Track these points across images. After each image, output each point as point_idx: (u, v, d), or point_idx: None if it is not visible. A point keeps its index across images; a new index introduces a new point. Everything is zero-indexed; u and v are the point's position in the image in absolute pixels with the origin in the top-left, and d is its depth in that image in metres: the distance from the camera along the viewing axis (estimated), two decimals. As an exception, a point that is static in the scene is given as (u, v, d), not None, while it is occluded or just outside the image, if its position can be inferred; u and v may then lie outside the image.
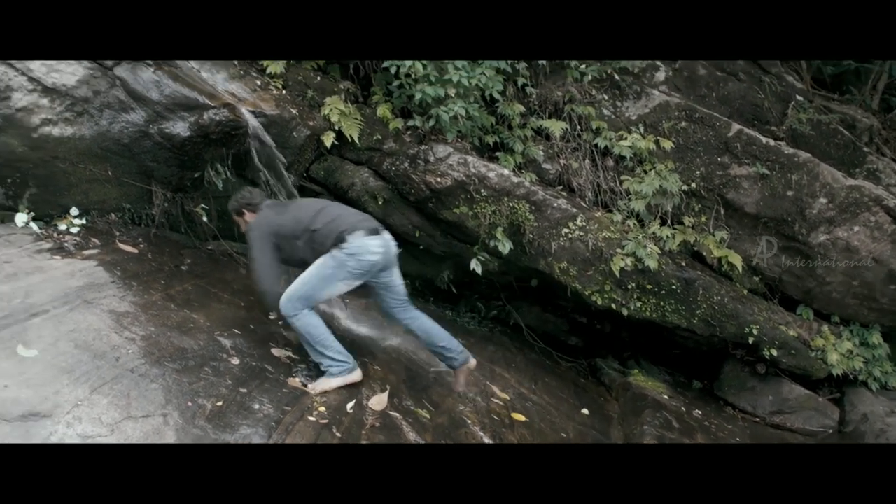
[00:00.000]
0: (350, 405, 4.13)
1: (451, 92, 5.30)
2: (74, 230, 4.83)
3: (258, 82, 5.38)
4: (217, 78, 5.23)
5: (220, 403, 3.64)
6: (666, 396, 5.97)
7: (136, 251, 4.89)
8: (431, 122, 5.47)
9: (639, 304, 5.78)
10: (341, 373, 4.24)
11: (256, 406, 3.76)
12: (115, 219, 5.21)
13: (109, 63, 4.75)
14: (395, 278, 4.65)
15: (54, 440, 2.98)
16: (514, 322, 6.86)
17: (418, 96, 5.29)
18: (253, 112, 5.05)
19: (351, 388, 4.30)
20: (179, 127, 4.88)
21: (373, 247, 4.28)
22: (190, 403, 3.54)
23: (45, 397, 3.17)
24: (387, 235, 4.49)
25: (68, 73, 4.66)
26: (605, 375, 6.52)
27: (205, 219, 5.45)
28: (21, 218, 4.77)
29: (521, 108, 5.86)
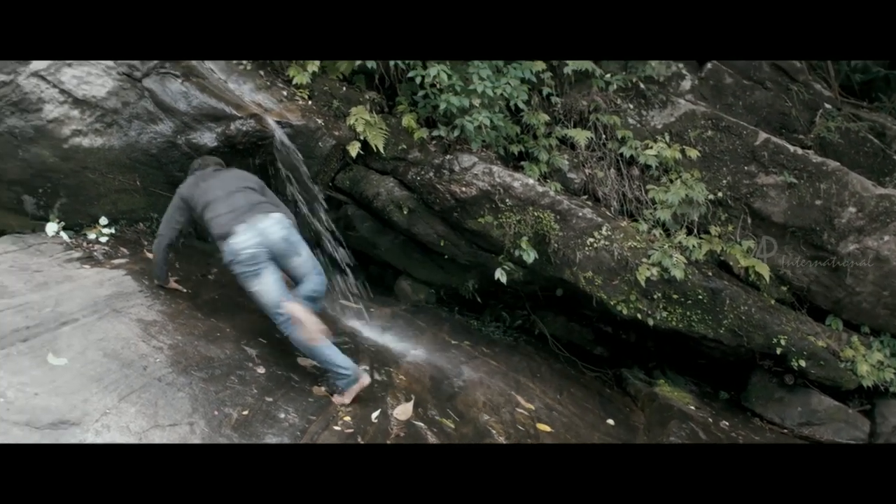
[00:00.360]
0: (375, 415, 4.13)
1: (476, 101, 5.31)
2: (103, 239, 4.90)
3: (284, 92, 5.42)
4: (244, 88, 5.27)
5: (246, 412, 3.66)
6: (692, 407, 5.91)
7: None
8: (456, 132, 5.48)
9: (665, 313, 5.73)
10: (347, 385, 4.14)
11: (282, 415, 3.77)
12: (144, 228, 5.27)
13: (138, 74, 4.82)
14: (300, 267, 4.30)
15: (83, 449, 3.01)
16: (539, 331, 6.83)
17: (443, 106, 5.30)
18: (279, 122, 5.09)
19: (375, 398, 4.31)
20: (207, 137, 4.93)
21: (240, 244, 4.06)
22: (216, 412, 3.57)
23: (74, 405, 3.21)
24: (263, 221, 4.16)
25: (98, 84, 4.73)
26: (630, 385, 6.47)
27: (231, 228, 5.49)
28: (52, 227, 4.84)
29: (546, 118, 5.85)
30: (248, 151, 5.04)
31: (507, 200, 5.45)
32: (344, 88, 5.68)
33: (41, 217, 4.98)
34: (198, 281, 4.95)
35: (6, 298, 3.93)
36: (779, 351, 5.70)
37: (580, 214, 5.56)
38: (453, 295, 6.68)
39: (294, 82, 5.50)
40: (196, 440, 3.30)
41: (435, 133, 5.67)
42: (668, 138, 5.98)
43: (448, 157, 5.55)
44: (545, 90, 5.89)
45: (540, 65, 5.76)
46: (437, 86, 5.42)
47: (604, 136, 5.98)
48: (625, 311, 5.72)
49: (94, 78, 4.72)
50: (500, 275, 5.59)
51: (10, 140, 4.65)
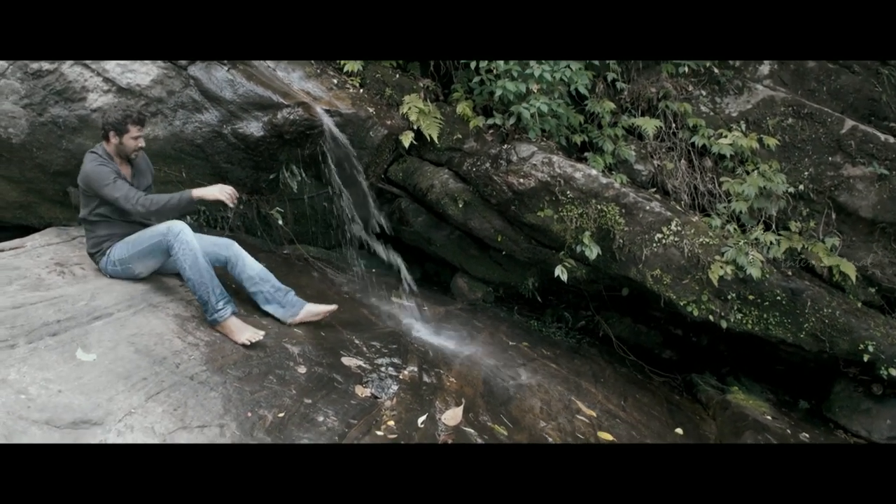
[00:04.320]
0: (421, 420, 3.86)
1: (534, 87, 4.99)
2: (148, 233, 4.75)
3: (335, 80, 5.21)
4: (292, 76, 5.08)
5: (282, 414, 3.44)
6: (769, 417, 5.47)
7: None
8: (512, 120, 5.17)
9: (739, 315, 5.31)
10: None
11: (321, 418, 3.54)
12: (191, 222, 5.13)
13: (184, 62, 4.66)
14: None
15: (103, 450, 2.82)
16: (604, 333, 6.46)
17: (499, 92, 5.00)
18: (328, 111, 4.87)
19: (423, 401, 4.04)
20: (253, 127, 4.75)
21: None
22: (250, 414, 3.36)
23: (98, 404, 3.03)
24: None
25: (142, 72, 4.60)
26: (701, 392, 6.05)
27: (280, 222, 5.31)
28: (96, 220, 4.72)
29: (612, 106, 5.48)
30: (296, 141, 4.84)
31: (568, 192, 5.10)
32: (397, 76, 5.43)
33: (87, 209, 4.87)
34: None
35: (42, 291, 3.81)
36: (866, 358, 5.20)
37: (647, 208, 5.17)
38: (513, 294, 6.37)
39: (345, 70, 5.29)
40: (225, 443, 3.09)
41: (491, 121, 5.36)
42: (744, 127, 5.55)
43: (505, 146, 5.24)
44: (610, 76, 5.52)
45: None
46: (494, 71, 5.12)
47: (674, 125, 5.58)
48: (695, 313, 5.31)
49: (138, 66, 4.59)
50: (560, 272, 5.24)
51: (54, 130, 4.56)
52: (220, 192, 3.93)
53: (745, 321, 5.33)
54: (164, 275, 4.34)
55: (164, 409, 3.16)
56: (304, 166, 5.08)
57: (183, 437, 3.04)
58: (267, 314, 4.40)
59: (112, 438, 2.90)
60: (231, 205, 3.98)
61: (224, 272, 4.35)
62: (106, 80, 4.54)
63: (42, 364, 3.15)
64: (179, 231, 3.93)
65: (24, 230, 4.92)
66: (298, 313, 4.39)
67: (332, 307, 4.50)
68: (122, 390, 3.17)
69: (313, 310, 4.43)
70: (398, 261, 5.22)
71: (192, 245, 3.93)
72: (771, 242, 5.26)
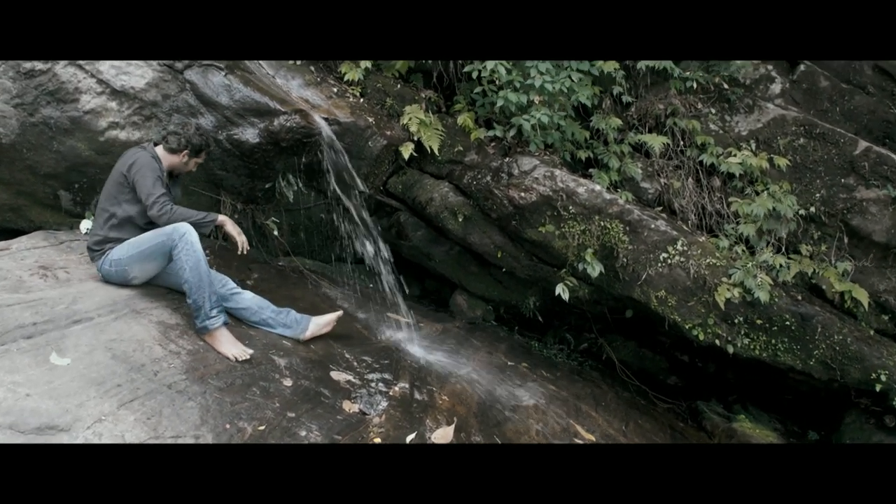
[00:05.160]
0: (410, 437, 3.69)
1: (536, 98, 4.86)
2: (139, 239, 4.63)
3: (335, 89, 5.10)
4: (291, 84, 4.98)
5: (262, 427, 3.29)
6: (777, 447, 5.26)
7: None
8: (512, 132, 5.04)
9: (746, 340, 5.12)
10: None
11: (303, 433, 3.38)
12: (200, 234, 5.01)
13: (180, 66, 4.57)
14: None
15: (66, 458, 2.67)
16: (607, 357, 6.27)
17: (500, 103, 4.87)
18: (326, 119, 4.76)
19: (413, 419, 3.88)
20: (249, 133, 4.65)
21: None
22: (228, 426, 3.20)
23: (67, 409, 2.89)
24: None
25: (137, 75, 4.51)
26: (706, 420, 5.84)
27: (276, 233, 5.19)
28: (86, 224, 4.64)
29: (618, 122, 5.35)
30: (293, 149, 4.73)
31: (571, 208, 4.96)
32: (399, 86, 5.32)
33: (78, 214, 4.78)
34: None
35: (21, 293, 3.68)
36: (878, 388, 5.00)
37: (652, 226, 5.02)
38: (514, 314, 6.20)
39: (346, 79, 5.19)
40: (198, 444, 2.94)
41: (492, 133, 5.23)
42: (753, 146, 5.40)
43: (507, 160, 5.11)
44: (616, 90, 5.39)
45: (612, 63, 5.26)
46: (497, 82, 5.00)
47: (682, 143, 5.44)
48: (701, 337, 5.13)
49: (133, 68, 4.50)
50: (561, 290, 5.07)
51: (45, 131, 4.47)
52: (238, 234, 4.07)
53: (752, 346, 5.15)
54: (156, 285, 4.21)
55: (137, 418, 3.01)
56: (301, 176, 4.97)
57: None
58: (257, 327, 4.26)
59: (78, 446, 2.76)
60: (239, 251, 4.07)
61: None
62: (100, 82, 4.45)
63: (12, 367, 3.01)
64: (185, 232, 3.83)
65: (14, 234, 4.80)
66: (308, 328, 4.28)
67: (338, 313, 4.43)
68: (94, 396, 3.03)
69: (321, 321, 4.34)
70: (381, 267, 5.07)
71: (196, 248, 3.83)
72: (780, 265, 5.09)
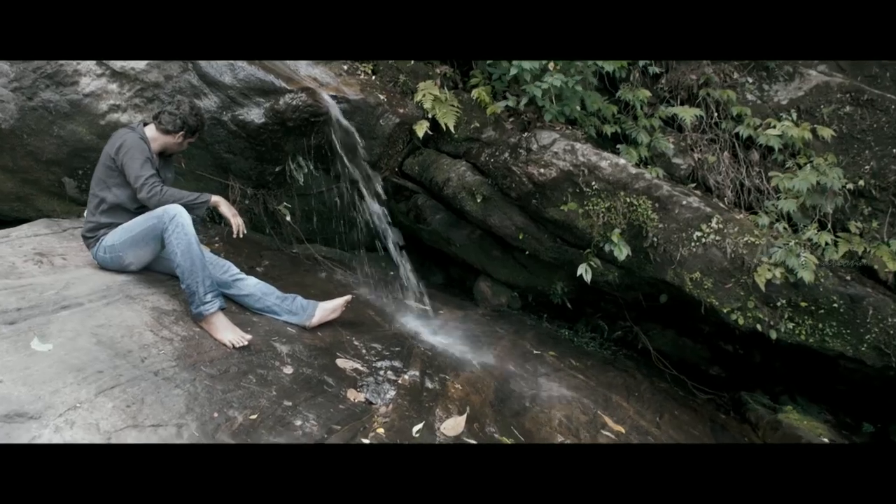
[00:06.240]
0: (417, 428, 3.44)
1: (551, 66, 4.55)
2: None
3: (345, 67, 4.89)
4: (299, 62, 4.77)
5: (254, 416, 3.08)
6: (825, 440, 4.87)
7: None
8: (525, 100, 4.74)
9: (791, 325, 4.75)
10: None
11: (298, 422, 3.16)
12: (194, 216, 4.83)
13: (182, 45, 4.39)
14: None
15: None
16: (643, 346, 5.93)
17: (513, 71, 4.59)
18: (334, 97, 4.54)
19: (422, 408, 3.63)
20: (254, 113, 4.46)
21: None
22: (216, 415, 3.00)
23: (39, 396, 2.71)
24: None
25: (137, 55, 4.33)
26: (750, 411, 5.46)
27: (288, 218, 4.99)
28: (89, 212, 4.47)
29: (647, 94, 5.02)
30: (301, 129, 4.52)
31: (594, 183, 4.65)
32: (412, 62, 5.07)
33: (83, 202, 4.63)
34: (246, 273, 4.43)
35: (11, 279, 3.55)
36: (938, 374, 4.60)
37: (684, 203, 4.68)
38: (543, 301, 5.91)
39: (357, 56, 4.95)
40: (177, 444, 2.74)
41: (504, 104, 4.94)
42: (794, 116, 5.02)
43: (525, 134, 4.82)
44: (642, 61, 5.06)
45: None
46: (515, 54, 4.72)
47: (716, 115, 5.08)
48: (741, 322, 4.78)
49: (133, 48, 4.33)
50: (583, 271, 4.75)
51: (45, 115, 4.34)
52: (234, 216, 3.85)
53: (797, 331, 4.77)
54: (156, 272, 4.04)
55: (116, 405, 2.82)
56: (311, 158, 4.76)
57: (130, 436, 2.70)
58: (261, 314, 4.07)
59: (48, 434, 2.57)
60: (234, 234, 3.86)
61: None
62: (99, 64, 4.31)
63: (-11, 353, 2.86)
64: (175, 214, 3.64)
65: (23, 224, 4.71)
66: (315, 314, 4.07)
67: (347, 297, 4.20)
68: (71, 383, 2.85)
69: (328, 307, 4.12)
70: (391, 245, 4.83)
71: (188, 230, 3.63)
72: (826, 243, 4.71)
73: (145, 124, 3.93)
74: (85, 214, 4.00)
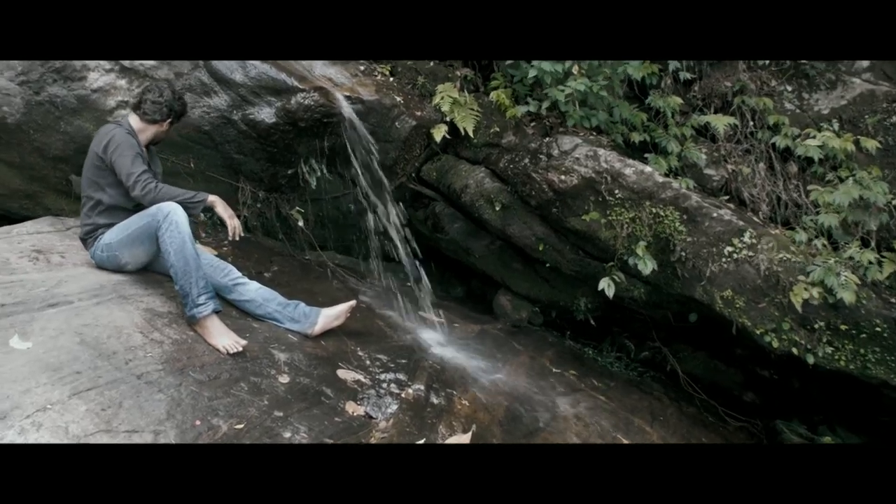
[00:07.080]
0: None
1: (574, 69, 4.33)
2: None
3: (362, 67, 4.73)
4: (315, 62, 4.62)
5: (240, 426, 2.90)
6: (864, 474, 4.53)
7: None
8: (546, 104, 4.51)
9: (829, 349, 4.42)
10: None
11: (287, 434, 2.98)
12: (203, 218, 4.71)
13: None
14: None
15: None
16: (672, 368, 5.63)
17: (532, 73, 4.37)
18: (348, 97, 4.38)
19: (424, 424, 3.42)
20: (265, 113, 4.32)
21: None
22: (198, 422, 2.83)
23: (7, 396, 2.58)
24: None
25: (147, 50, 4.22)
26: (785, 440, 5.14)
27: (301, 223, 4.82)
28: (96, 211, 4.36)
29: (679, 101, 4.77)
30: (313, 130, 4.37)
31: (617, 192, 4.40)
32: (432, 63, 4.89)
33: (89, 201, 4.52)
34: (249, 278, 4.26)
35: (2, 275, 3.42)
36: None
37: (714, 215, 4.40)
38: (566, 318, 5.64)
39: (375, 57, 4.80)
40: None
41: (525, 109, 4.73)
42: (836, 126, 4.72)
43: (546, 140, 4.59)
44: (673, 65, 4.80)
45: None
46: (538, 56, 4.52)
47: (752, 124, 4.81)
48: (775, 344, 4.46)
49: (143, 43, 4.22)
50: (605, 286, 4.48)
51: (52, 110, 4.24)
52: (230, 217, 3.69)
53: (836, 357, 4.45)
54: (157, 272, 3.89)
55: (90, 408, 2.66)
56: (324, 161, 4.60)
57: (102, 440, 2.54)
58: (262, 321, 3.89)
59: (10, 436, 2.43)
60: (230, 237, 3.73)
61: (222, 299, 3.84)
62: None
63: (-37, 350, 2.73)
64: (169, 212, 3.48)
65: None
66: (317, 321, 3.87)
67: (352, 303, 4.01)
68: (45, 383, 2.71)
69: (332, 313, 3.93)
70: (402, 256, 4.64)
71: (182, 228, 3.47)
72: (870, 262, 4.38)
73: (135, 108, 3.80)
74: (80, 217, 3.88)
